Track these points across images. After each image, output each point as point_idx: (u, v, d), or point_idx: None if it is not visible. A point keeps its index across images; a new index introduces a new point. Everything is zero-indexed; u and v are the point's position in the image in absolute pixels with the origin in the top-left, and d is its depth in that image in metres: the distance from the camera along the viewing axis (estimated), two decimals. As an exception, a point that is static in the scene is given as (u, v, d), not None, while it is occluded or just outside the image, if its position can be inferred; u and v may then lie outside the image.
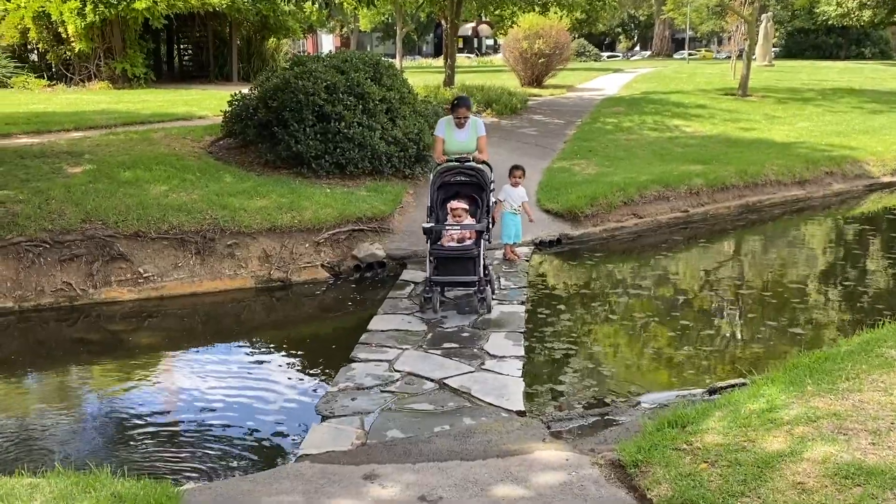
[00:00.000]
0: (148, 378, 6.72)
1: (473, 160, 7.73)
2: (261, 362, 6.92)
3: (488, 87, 19.11)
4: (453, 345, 6.50)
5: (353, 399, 5.52)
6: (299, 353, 7.16)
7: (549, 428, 5.10)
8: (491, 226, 7.53)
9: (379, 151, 11.28)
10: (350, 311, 8.28)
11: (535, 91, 22.57)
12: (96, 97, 19.28)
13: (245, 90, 12.60)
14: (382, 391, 5.65)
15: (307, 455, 4.76)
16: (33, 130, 13.38)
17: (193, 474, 4.88)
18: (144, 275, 8.61)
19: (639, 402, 5.47)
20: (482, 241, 7.22)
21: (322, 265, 9.23)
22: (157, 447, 5.33)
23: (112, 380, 6.82)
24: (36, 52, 24.07)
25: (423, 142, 11.80)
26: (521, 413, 5.30)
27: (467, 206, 7.44)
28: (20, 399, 6.46)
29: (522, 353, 6.34)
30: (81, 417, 6.04)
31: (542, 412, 5.39)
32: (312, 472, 4.50)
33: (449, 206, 7.47)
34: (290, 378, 6.40)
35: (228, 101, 12.13)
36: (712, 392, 5.54)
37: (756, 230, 11.68)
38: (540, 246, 10.14)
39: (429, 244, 7.26)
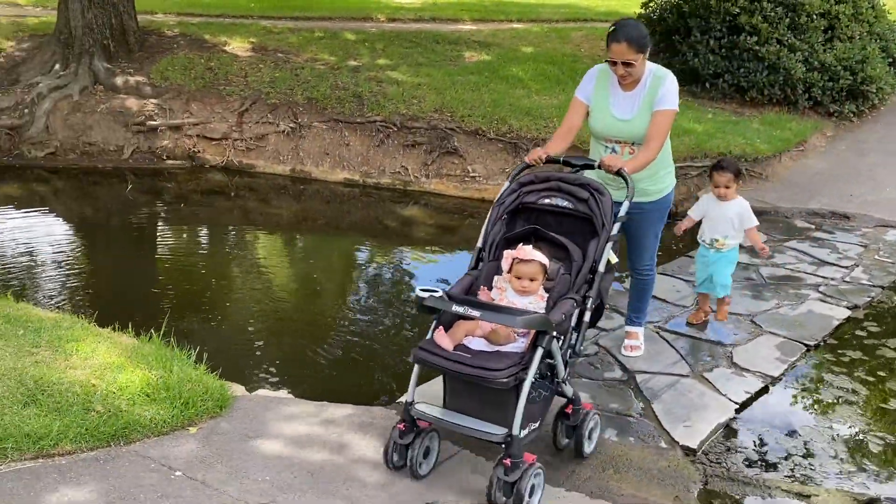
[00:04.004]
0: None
1: (603, 167, 3.78)
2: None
3: None
4: (698, 333, 5.04)
5: (516, 360, 4.64)
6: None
7: (704, 484, 3.63)
8: (587, 317, 3.49)
9: (795, 77, 9.14)
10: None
11: None
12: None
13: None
14: (558, 362, 4.63)
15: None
16: (478, 18, 14.02)
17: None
18: (472, 174, 8.48)
19: (875, 501, 3.54)
20: (545, 348, 3.16)
21: (658, 201, 7.96)
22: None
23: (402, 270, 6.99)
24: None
25: (865, 73, 9.20)
26: (688, 451, 3.85)
27: (545, 262, 3.42)
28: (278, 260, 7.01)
29: (779, 374, 4.60)
30: (321, 299, 6.32)
31: (725, 463, 3.84)
32: (384, 423, 3.90)
33: (508, 255, 3.47)
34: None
35: (642, 4, 10.97)
36: None
37: None
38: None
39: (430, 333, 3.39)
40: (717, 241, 4.85)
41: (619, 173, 3.75)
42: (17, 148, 9.14)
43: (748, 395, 4.35)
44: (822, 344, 5.01)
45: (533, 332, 3.21)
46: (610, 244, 3.51)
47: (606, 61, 3.99)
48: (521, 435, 3.17)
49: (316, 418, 3.86)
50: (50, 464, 3.21)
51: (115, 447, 3.38)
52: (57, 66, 9.77)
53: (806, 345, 4.94)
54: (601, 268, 3.49)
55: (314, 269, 7.00)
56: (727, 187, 4.73)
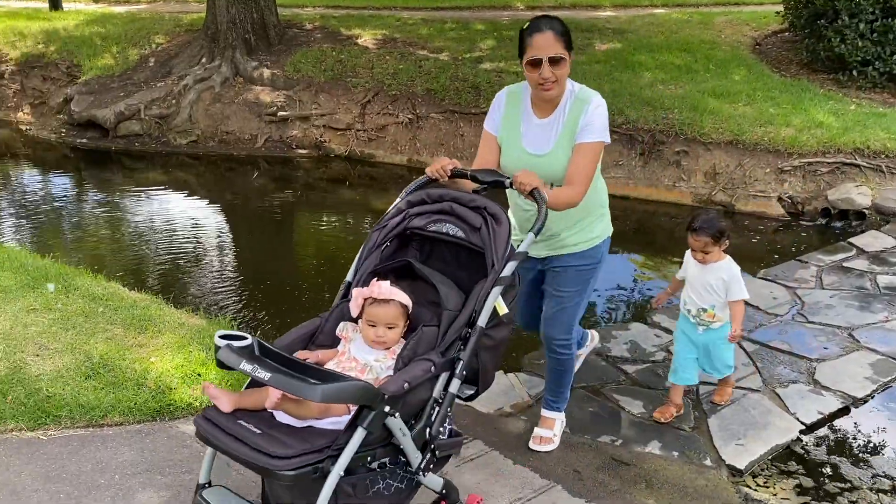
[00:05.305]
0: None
1: (515, 184, 2.90)
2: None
3: None
4: (783, 344, 4.67)
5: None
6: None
7: (743, 511, 3.39)
8: (454, 387, 2.57)
9: (960, 63, 8.19)
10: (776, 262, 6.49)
11: None
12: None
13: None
14: (618, 365, 4.47)
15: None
16: (619, 4, 13.61)
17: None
18: (584, 166, 8.27)
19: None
20: (367, 429, 2.26)
21: (779, 198, 7.42)
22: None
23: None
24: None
25: None
26: (734, 471, 3.61)
27: (408, 303, 2.67)
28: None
29: (864, 395, 4.18)
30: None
31: (773, 488, 3.56)
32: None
33: (358, 295, 2.69)
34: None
35: (790, -15, 10.18)
36: None
37: None
38: None
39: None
40: (704, 311, 3.76)
41: (532, 194, 2.89)
42: (164, 135, 9.94)
43: (820, 417, 4.00)
44: (927, 365, 4.50)
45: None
46: (498, 289, 2.61)
47: (527, 63, 3.04)
48: None
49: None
50: (98, 433, 3.50)
51: (159, 422, 3.63)
52: (203, 60, 10.52)
53: (909, 366, 4.46)
54: (482, 321, 2.58)
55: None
56: (705, 252, 3.66)
